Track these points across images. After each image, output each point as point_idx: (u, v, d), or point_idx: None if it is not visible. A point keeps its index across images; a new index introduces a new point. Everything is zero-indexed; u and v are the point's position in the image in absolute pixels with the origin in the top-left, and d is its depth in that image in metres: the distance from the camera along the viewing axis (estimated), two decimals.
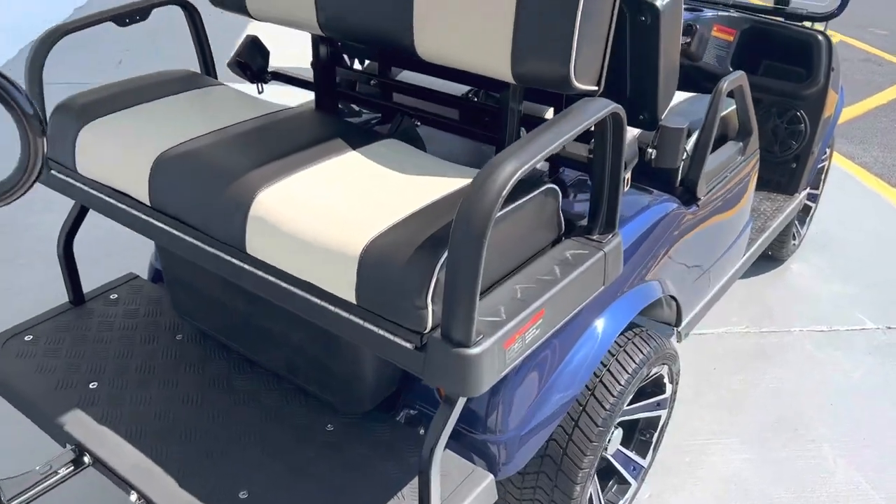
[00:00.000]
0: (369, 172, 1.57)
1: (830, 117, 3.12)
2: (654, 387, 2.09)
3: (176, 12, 2.37)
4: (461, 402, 1.35)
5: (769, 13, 3.07)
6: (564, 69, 1.44)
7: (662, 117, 1.87)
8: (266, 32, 3.62)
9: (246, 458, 1.63)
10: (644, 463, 2.16)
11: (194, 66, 4.90)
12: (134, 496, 1.57)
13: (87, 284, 2.78)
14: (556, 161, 1.85)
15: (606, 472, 2.10)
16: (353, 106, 2.36)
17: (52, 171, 1.85)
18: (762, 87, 3.04)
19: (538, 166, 1.62)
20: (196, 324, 1.98)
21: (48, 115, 1.84)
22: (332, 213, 1.41)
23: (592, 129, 1.42)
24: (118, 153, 1.68)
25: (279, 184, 1.51)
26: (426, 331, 1.29)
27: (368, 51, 2.26)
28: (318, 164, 1.60)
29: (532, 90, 1.74)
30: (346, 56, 2.44)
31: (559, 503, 1.81)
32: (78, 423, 1.70)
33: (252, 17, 1.92)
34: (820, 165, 3.44)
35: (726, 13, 3.08)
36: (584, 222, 1.60)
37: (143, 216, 1.67)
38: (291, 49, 4.58)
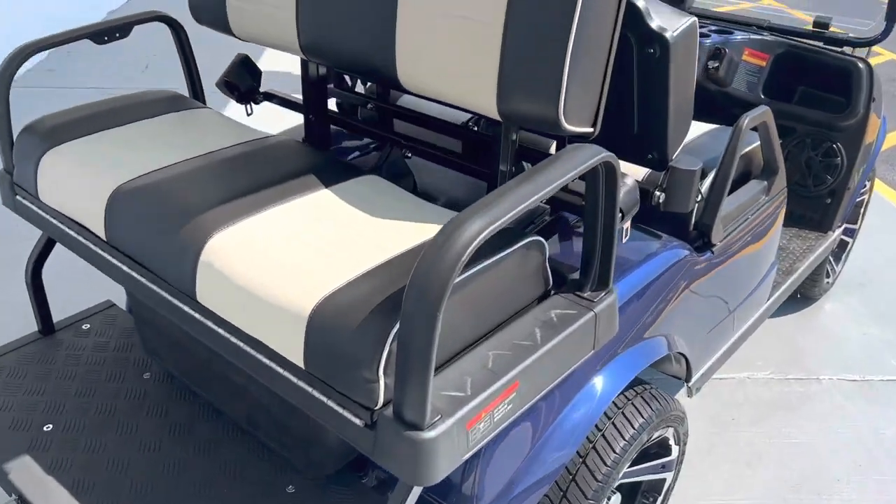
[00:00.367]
0: (337, 216, 1.43)
1: (872, 145, 2.88)
2: (658, 448, 1.92)
3: None
4: (417, 489, 1.20)
5: (807, 37, 2.86)
6: (552, 110, 1.28)
7: (673, 157, 1.70)
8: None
9: None
10: None
11: (219, 74, 4.82)
12: None
13: (82, 296, 2.68)
14: (553, 204, 1.69)
15: None
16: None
17: (18, 197, 1.75)
18: (796, 116, 2.82)
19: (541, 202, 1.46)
20: (163, 365, 1.86)
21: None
22: (287, 263, 1.28)
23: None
24: (76, 183, 1.58)
25: (236, 226, 1.38)
26: (377, 407, 1.14)
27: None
28: (284, 204, 1.46)
29: None
30: (346, 76, 2.32)
31: None
32: (24, 470, 1.60)
33: (236, 37, 1.81)
34: (859, 199, 3.20)
35: (759, 36, 2.87)
36: (576, 275, 1.44)
37: (101, 251, 1.56)
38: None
